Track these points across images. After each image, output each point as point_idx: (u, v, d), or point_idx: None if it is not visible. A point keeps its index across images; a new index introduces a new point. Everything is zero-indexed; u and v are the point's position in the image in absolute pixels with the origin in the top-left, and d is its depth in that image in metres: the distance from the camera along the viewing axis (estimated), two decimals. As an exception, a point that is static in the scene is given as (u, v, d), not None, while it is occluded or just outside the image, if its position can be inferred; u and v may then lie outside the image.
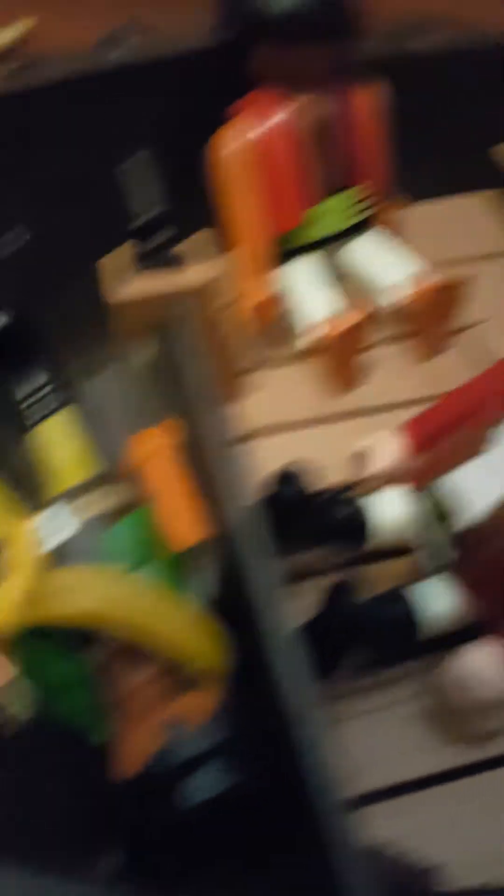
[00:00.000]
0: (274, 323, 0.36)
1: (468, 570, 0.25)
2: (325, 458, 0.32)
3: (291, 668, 0.21)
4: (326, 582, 0.27)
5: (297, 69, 0.32)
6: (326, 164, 0.34)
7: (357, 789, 0.25)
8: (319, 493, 0.29)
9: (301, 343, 0.35)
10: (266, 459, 0.31)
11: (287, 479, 0.28)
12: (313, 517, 0.28)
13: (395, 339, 0.38)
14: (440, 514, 0.26)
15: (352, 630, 0.25)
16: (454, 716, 0.26)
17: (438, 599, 0.26)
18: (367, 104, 0.34)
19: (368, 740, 0.26)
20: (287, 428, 0.34)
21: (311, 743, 0.20)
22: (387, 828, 0.24)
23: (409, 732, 0.27)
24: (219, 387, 0.34)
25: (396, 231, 0.40)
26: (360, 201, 0.36)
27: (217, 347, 0.34)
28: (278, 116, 0.33)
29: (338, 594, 0.25)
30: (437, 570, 0.26)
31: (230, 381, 0.34)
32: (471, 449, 0.25)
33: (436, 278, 0.34)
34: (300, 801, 0.19)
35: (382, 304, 0.37)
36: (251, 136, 0.33)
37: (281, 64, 0.32)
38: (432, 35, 0.40)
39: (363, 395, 0.36)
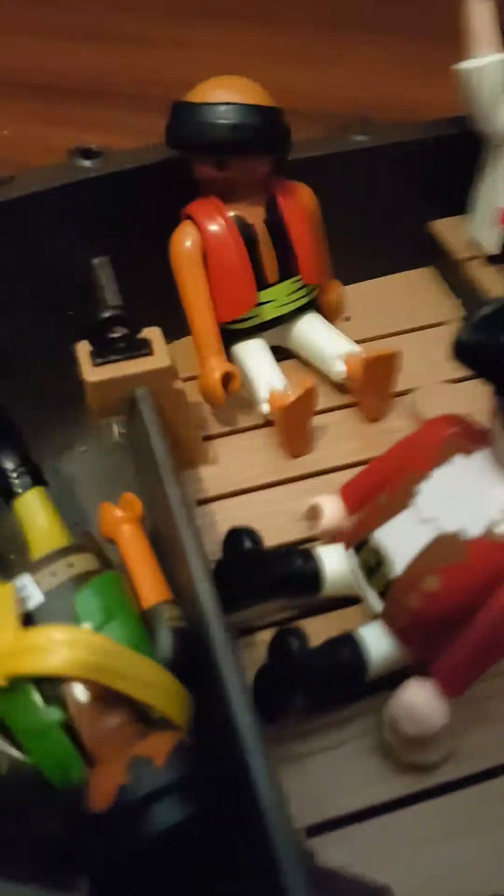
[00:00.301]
0: (230, 396, 0.40)
1: (393, 619, 0.28)
2: (280, 517, 0.36)
3: (242, 713, 0.24)
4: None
5: (236, 179, 0.37)
6: (268, 258, 0.38)
7: (313, 819, 0.28)
8: (273, 549, 0.32)
9: (258, 412, 0.39)
10: (225, 521, 0.34)
11: (240, 536, 0.31)
12: (269, 570, 0.31)
13: (341, 406, 0.42)
14: (369, 568, 0.29)
15: (304, 674, 0.28)
16: (400, 749, 0.28)
17: (382, 641, 0.29)
18: (298, 204, 0.39)
19: (325, 774, 0.29)
20: (244, 491, 0.38)
21: (260, 779, 0.22)
22: (340, 854, 0.26)
23: (362, 766, 0.29)
24: (180, 456, 0.37)
25: (337, 310, 0.44)
26: (301, 289, 0.40)
27: (178, 421, 0.37)
28: (221, 219, 0.37)
29: (285, 641, 0.27)
30: (376, 618, 0.29)
31: (192, 451, 0.38)
32: (396, 506, 0.29)
33: (365, 354, 0.38)
34: (251, 831, 0.22)
35: (330, 374, 0.41)
36: (198, 237, 0.37)
37: (220, 176, 0.36)
38: (373, 127, 0.45)
39: (315, 458, 0.39)
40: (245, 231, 0.38)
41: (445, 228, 0.47)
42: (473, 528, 0.26)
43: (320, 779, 0.29)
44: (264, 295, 0.39)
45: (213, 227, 0.37)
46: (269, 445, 0.40)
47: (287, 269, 0.39)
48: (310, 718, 0.30)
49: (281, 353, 0.43)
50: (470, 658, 0.27)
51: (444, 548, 0.27)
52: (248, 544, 0.30)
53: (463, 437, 0.28)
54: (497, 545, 0.26)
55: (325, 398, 0.42)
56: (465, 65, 0.40)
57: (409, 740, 0.28)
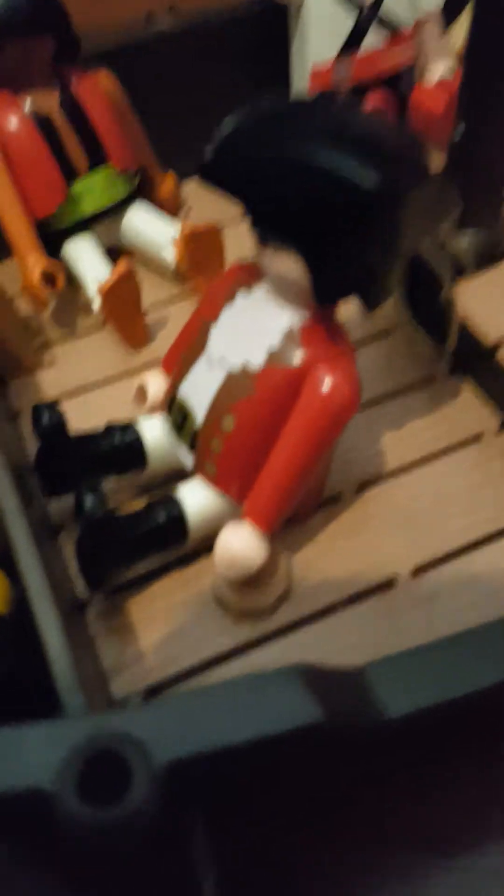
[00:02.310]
0: (68, 299, 0.39)
1: (204, 469, 0.28)
2: (123, 410, 0.35)
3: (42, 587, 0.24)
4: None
5: (18, 65, 0.35)
6: (72, 146, 0.37)
7: (161, 675, 0.28)
8: (95, 430, 0.32)
9: (93, 309, 0.38)
10: (72, 419, 0.33)
11: (40, 411, 0.30)
12: (90, 447, 0.31)
13: (181, 297, 0.41)
14: (178, 425, 0.29)
15: (121, 539, 0.28)
16: (232, 598, 0.28)
17: (198, 495, 0.29)
18: (96, 89, 0.38)
19: (170, 633, 0.29)
20: (85, 389, 0.37)
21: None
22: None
23: (203, 621, 0.29)
24: (11, 364, 0.37)
25: (175, 203, 0.44)
26: (117, 178, 0.39)
27: (12, 328, 0.37)
28: (10, 112, 0.36)
29: (81, 500, 0.27)
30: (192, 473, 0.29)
31: (23, 357, 0.37)
32: (193, 356, 0.28)
33: (188, 227, 0.37)
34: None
35: (164, 263, 0.40)
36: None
37: (3, 63, 0.35)
38: (178, 13, 0.43)
39: (155, 349, 0.39)
40: (41, 121, 0.36)
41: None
42: (256, 359, 0.26)
43: (165, 638, 0.29)
44: (79, 186, 0.38)
45: (4, 122, 0.36)
46: (109, 344, 0.39)
47: (96, 156, 0.38)
48: (153, 581, 0.30)
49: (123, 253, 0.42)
50: (274, 490, 0.27)
51: (233, 385, 0.27)
52: (46, 420, 0.30)
53: (245, 275, 0.28)
54: (278, 370, 0.26)
55: (163, 290, 0.41)
56: None
57: (239, 587, 0.28)
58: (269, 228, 0.24)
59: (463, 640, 0.18)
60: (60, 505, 0.32)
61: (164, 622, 0.29)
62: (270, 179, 0.23)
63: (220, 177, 0.24)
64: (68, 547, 0.30)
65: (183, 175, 0.45)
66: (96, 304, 0.37)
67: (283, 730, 0.16)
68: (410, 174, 0.24)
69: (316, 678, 0.17)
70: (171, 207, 0.44)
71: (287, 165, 0.23)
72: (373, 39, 0.43)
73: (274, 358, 0.26)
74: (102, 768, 0.16)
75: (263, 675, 0.17)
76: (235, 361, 0.27)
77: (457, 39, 0.41)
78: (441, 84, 0.45)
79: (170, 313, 0.40)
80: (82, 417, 0.34)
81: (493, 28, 0.30)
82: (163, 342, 0.39)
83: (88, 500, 0.26)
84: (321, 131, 0.23)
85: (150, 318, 0.39)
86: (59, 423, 0.30)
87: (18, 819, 0.17)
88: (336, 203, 0.22)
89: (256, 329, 0.26)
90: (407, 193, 0.23)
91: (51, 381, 0.38)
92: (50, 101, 0.37)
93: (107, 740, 0.16)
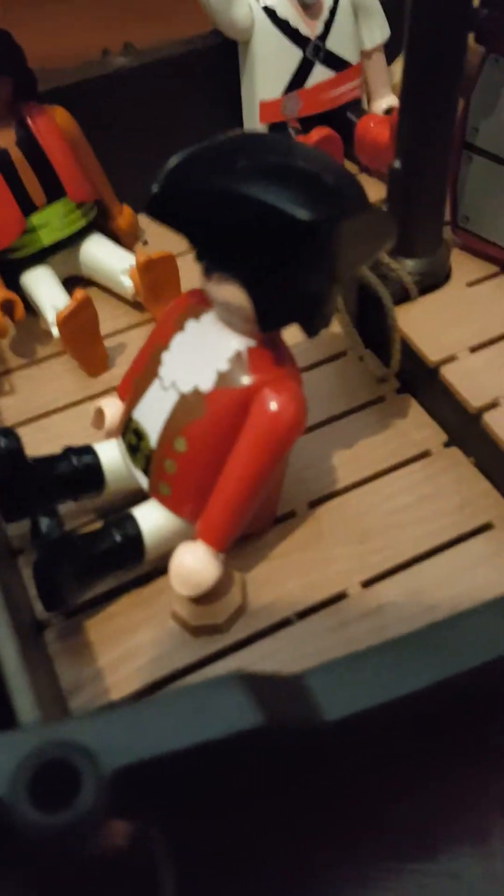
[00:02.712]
0: (25, 327, 0.40)
1: (158, 491, 0.29)
2: (81, 435, 0.36)
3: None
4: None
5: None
6: (29, 181, 0.38)
7: (120, 693, 0.28)
8: (52, 454, 0.32)
9: (52, 336, 0.39)
10: (26, 445, 0.34)
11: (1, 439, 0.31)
12: (47, 471, 0.31)
13: (139, 324, 0.42)
14: (133, 448, 0.30)
15: (77, 559, 0.28)
16: (188, 615, 0.29)
17: (153, 516, 0.29)
18: (52, 125, 0.39)
19: (129, 651, 0.29)
20: (44, 415, 0.38)
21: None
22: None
23: (162, 639, 0.30)
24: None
25: (131, 235, 0.45)
26: (74, 211, 0.40)
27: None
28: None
29: (37, 524, 0.28)
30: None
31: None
32: (146, 382, 0.29)
33: (143, 256, 0.38)
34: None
35: (122, 292, 0.41)
36: None
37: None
38: (133, 49, 0.45)
39: (113, 376, 0.39)
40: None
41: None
42: (205, 383, 0.27)
43: (123, 656, 0.29)
44: (36, 219, 0.39)
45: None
46: (68, 371, 0.40)
47: (53, 190, 0.39)
48: (111, 602, 0.31)
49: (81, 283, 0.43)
50: (225, 509, 0.28)
51: (185, 407, 0.28)
52: (2, 444, 0.30)
53: (195, 303, 0.29)
54: (227, 392, 0.27)
55: (122, 318, 0.42)
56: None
57: (194, 604, 0.29)
58: (212, 260, 0.26)
59: (397, 645, 0.19)
60: (19, 530, 0.32)
61: (123, 641, 0.30)
62: (210, 212, 0.24)
63: (163, 211, 0.25)
64: (27, 570, 0.31)
65: (141, 207, 0.46)
66: (55, 331, 0.38)
67: (225, 734, 0.17)
68: (347, 207, 0.25)
69: (255, 685, 0.18)
70: (129, 238, 0.45)
71: (225, 198, 0.24)
72: (320, 74, 0.45)
73: (223, 381, 0.27)
74: (53, 776, 0.16)
75: (205, 684, 0.18)
76: (186, 385, 0.28)
77: (397, 75, 0.43)
78: (384, 116, 0.47)
79: (128, 339, 0.41)
80: (42, 443, 0.35)
81: (424, 63, 0.32)
82: (121, 368, 0.40)
83: (44, 523, 0.27)
84: (262, 167, 0.25)
85: (109, 345, 0.40)
86: (17, 448, 0.30)
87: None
88: (272, 233, 0.23)
89: (206, 354, 0.28)
90: (340, 224, 0.24)
91: (10, 407, 0.38)
92: (7, 138, 0.38)
93: (56, 749, 0.16)
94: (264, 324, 0.26)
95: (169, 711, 0.17)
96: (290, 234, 0.23)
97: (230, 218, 0.24)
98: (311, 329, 0.26)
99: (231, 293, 0.25)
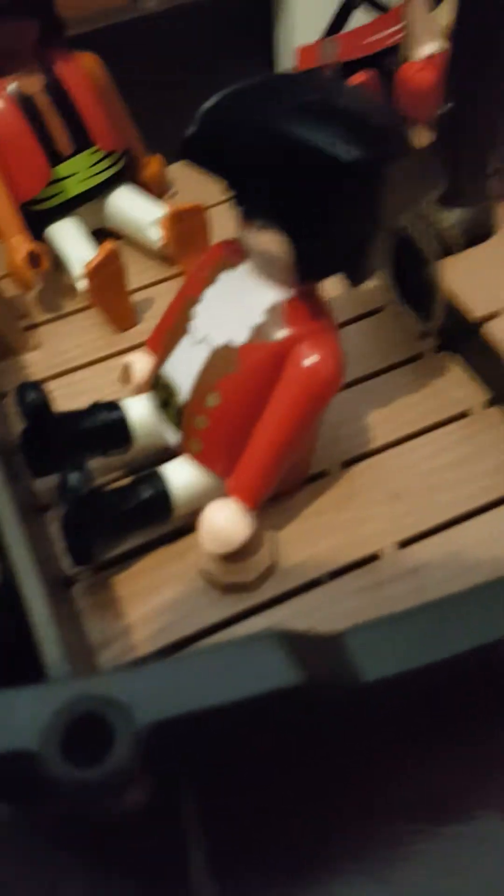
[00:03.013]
0: (52, 281, 0.39)
1: (190, 446, 0.28)
2: (109, 391, 0.35)
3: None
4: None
5: (2, 49, 0.35)
6: (56, 129, 0.37)
7: (153, 646, 0.28)
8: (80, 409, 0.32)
9: (78, 289, 0.38)
10: (53, 400, 0.33)
11: (25, 390, 0.30)
12: (75, 426, 0.31)
13: (167, 278, 0.41)
14: (164, 403, 0.29)
15: (106, 516, 0.28)
16: (218, 572, 0.29)
17: (183, 472, 0.29)
18: (80, 72, 0.38)
19: (161, 606, 0.29)
20: (71, 370, 0.37)
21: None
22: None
23: (193, 595, 0.29)
24: (4, 343, 0.37)
25: (161, 185, 0.44)
26: (102, 160, 0.39)
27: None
28: (-1, 93, 0.36)
29: (65, 480, 0.27)
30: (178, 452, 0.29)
31: (11, 339, 0.37)
32: (177, 335, 0.28)
33: (172, 207, 0.37)
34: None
35: (150, 244, 0.40)
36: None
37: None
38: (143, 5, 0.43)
39: (141, 330, 0.39)
40: (24, 103, 0.36)
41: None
42: (239, 336, 0.26)
43: (151, 613, 0.29)
44: (63, 169, 0.38)
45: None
46: (96, 325, 0.39)
47: (81, 138, 0.38)
48: (139, 558, 0.30)
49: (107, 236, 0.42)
50: (258, 465, 0.27)
51: (217, 362, 0.27)
52: (30, 398, 0.30)
53: (229, 254, 0.28)
54: (262, 346, 0.26)
55: (149, 272, 0.41)
56: None
57: (223, 561, 0.28)
58: (252, 205, 0.24)
59: (440, 606, 0.19)
60: (47, 485, 0.32)
61: (151, 597, 0.29)
62: (252, 154, 0.23)
63: (202, 153, 0.24)
64: (55, 526, 0.31)
65: (170, 158, 0.45)
66: (82, 284, 0.37)
67: (263, 691, 0.16)
68: (392, 148, 0.24)
69: (294, 643, 0.17)
70: (157, 190, 0.44)
71: (268, 140, 0.23)
72: (360, 18, 0.43)
73: (257, 334, 0.26)
74: (86, 730, 0.16)
75: (243, 640, 0.17)
76: (219, 339, 0.27)
77: (443, 18, 0.41)
78: (428, 61, 0.44)
79: (156, 294, 0.40)
80: (69, 398, 0.35)
81: (479, 7, 0.30)
82: (149, 323, 0.39)
83: (73, 478, 0.27)
84: (303, 106, 0.23)
85: (137, 299, 0.39)
86: (44, 402, 0.30)
87: (6, 780, 0.18)
88: (315, 174, 0.22)
89: (240, 306, 0.27)
90: (388, 167, 0.23)
91: (37, 362, 0.38)
92: (33, 84, 0.37)
93: (90, 702, 0.16)
94: (305, 273, 0.25)
95: (206, 667, 0.16)
96: (333, 176, 0.22)
97: (271, 158, 0.23)
98: (355, 279, 0.25)
99: (271, 240, 0.24)
